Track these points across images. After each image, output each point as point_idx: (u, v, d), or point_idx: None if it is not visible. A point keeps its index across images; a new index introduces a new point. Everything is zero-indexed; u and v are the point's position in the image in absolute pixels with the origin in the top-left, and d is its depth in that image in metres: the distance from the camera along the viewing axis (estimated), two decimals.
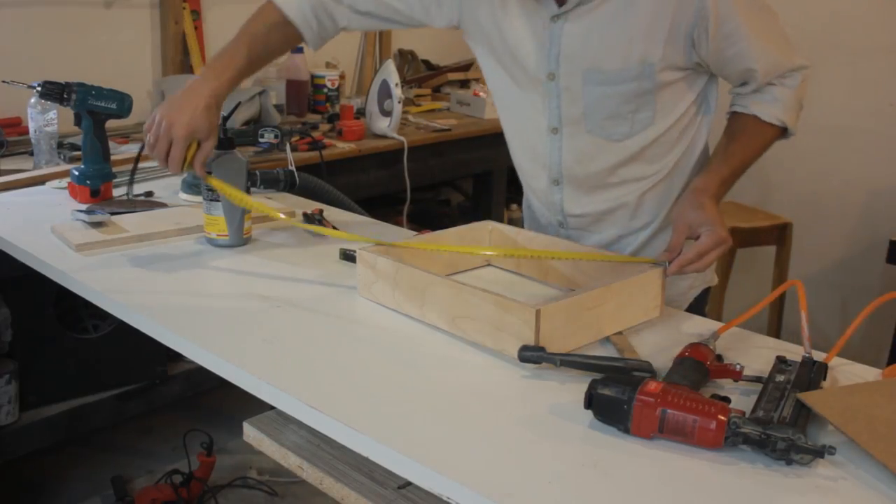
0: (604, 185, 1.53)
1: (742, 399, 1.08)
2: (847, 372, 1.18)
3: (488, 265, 1.55)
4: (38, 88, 1.85)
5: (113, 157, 1.96)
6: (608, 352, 1.22)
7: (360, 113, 3.08)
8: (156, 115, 1.46)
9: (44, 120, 2.13)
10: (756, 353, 1.21)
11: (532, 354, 1.13)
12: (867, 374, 1.18)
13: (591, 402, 1.01)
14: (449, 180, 3.77)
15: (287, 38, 1.60)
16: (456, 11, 1.54)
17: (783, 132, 1.47)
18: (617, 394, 0.99)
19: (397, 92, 2.82)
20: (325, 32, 1.62)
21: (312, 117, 3.13)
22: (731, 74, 1.44)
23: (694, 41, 1.36)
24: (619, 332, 1.26)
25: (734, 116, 1.48)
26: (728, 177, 1.43)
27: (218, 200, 1.57)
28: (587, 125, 1.47)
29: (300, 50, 3.14)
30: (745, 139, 1.45)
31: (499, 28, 1.49)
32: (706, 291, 1.63)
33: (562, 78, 1.44)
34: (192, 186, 1.90)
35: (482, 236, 1.53)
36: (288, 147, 2.10)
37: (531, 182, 1.62)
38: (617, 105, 1.43)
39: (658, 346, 1.24)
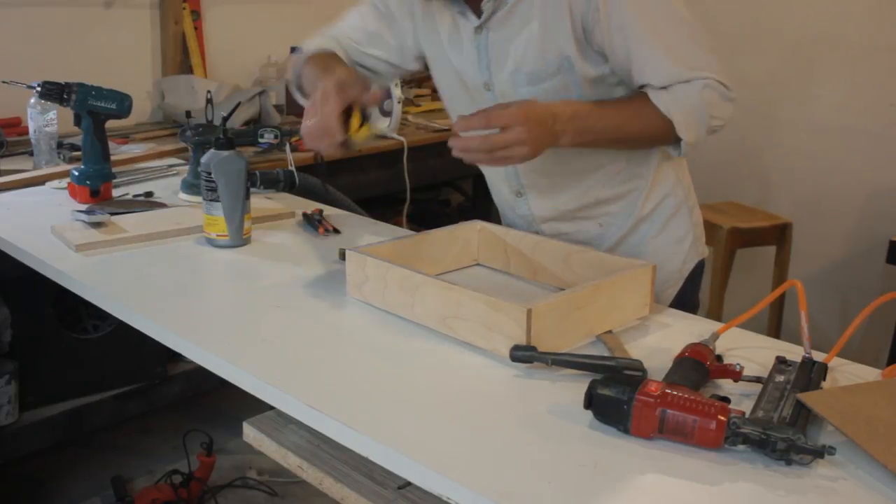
0: (566, 188, 1.54)
1: (742, 399, 1.08)
2: (847, 372, 1.18)
3: (477, 264, 1.55)
4: (38, 88, 1.85)
5: (113, 158, 1.96)
6: (599, 351, 1.22)
7: None
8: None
9: (44, 120, 2.13)
10: (756, 353, 1.21)
11: (524, 354, 1.13)
12: (867, 374, 1.18)
13: (590, 402, 1.01)
14: (449, 180, 3.77)
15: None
16: (415, 46, 1.59)
17: (672, 135, 1.37)
18: (617, 394, 0.99)
19: (397, 92, 2.82)
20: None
21: None
22: (628, 74, 1.38)
23: (587, 30, 1.34)
24: (610, 332, 1.27)
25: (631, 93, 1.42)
26: (584, 127, 1.33)
27: (218, 200, 1.57)
28: None
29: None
30: (630, 112, 1.37)
31: (442, 49, 1.52)
32: (700, 264, 1.63)
33: (495, 86, 1.46)
34: (192, 186, 1.90)
35: (471, 236, 1.53)
36: (288, 147, 2.10)
37: (497, 197, 1.65)
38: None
39: (655, 346, 1.24)
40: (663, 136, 1.38)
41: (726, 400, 1.01)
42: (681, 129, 1.36)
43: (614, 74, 1.41)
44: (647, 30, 1.34)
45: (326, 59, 1.52)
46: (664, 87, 1.36)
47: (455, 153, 1.28)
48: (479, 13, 1.42)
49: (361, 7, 1.65)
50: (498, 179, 1.59)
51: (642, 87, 1.38)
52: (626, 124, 1.38)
